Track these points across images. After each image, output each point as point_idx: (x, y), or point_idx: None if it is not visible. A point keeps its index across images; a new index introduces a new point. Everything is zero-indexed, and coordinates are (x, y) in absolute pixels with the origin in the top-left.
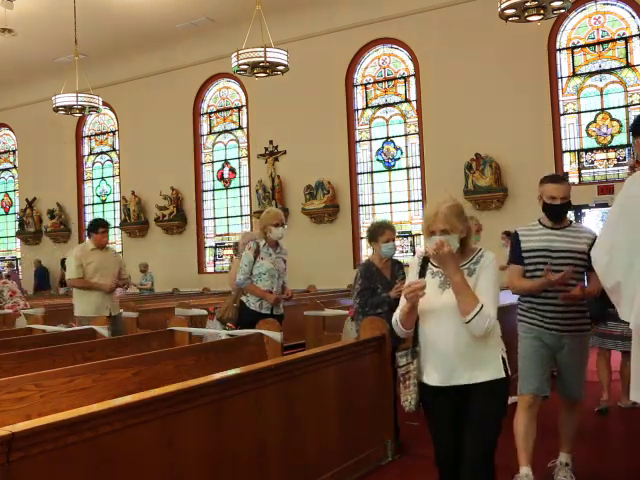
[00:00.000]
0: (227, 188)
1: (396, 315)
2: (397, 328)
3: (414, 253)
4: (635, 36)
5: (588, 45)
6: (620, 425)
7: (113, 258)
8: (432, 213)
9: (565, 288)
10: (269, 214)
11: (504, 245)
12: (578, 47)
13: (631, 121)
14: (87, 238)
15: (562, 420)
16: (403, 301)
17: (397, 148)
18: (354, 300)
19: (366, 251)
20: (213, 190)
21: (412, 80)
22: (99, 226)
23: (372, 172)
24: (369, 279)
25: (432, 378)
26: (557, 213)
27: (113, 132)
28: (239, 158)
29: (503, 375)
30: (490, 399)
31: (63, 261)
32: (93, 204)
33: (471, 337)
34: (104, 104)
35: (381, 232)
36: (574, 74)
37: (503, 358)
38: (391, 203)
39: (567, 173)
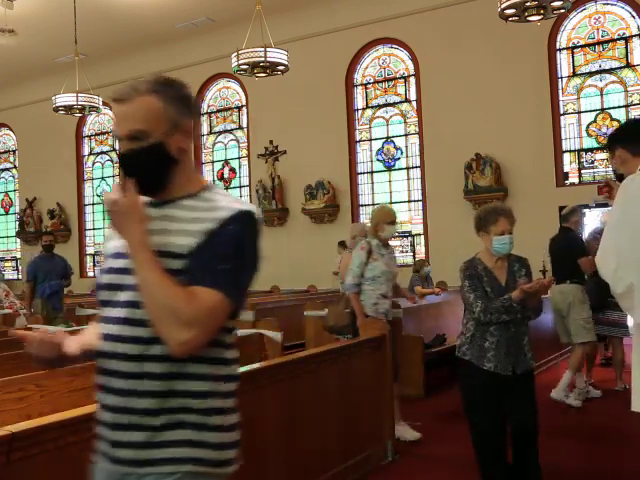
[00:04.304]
0: (227, 188)
1: None
2: None
3: (414, 254)
4: (635, 36)
5: (588, 45)
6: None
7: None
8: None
9: None
10: (383, 210)
11: (339, 253)
12: (578, 47)
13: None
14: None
15: None
16: None
17: (397, 148)
18: (469, 306)
19: None
20: None
21: (412, 80)
22: None
23: (372, 172)
24: (474, 277)
25: None
26: (123, 164)
27: None
28: (239, 158)
29: None
30: None
31: None
32: (93, 204)
33: None
34: (104, 104)
35: (493, 220)
36: (574, 74)
37: None
38: (391, 203)
39: (567, 173)
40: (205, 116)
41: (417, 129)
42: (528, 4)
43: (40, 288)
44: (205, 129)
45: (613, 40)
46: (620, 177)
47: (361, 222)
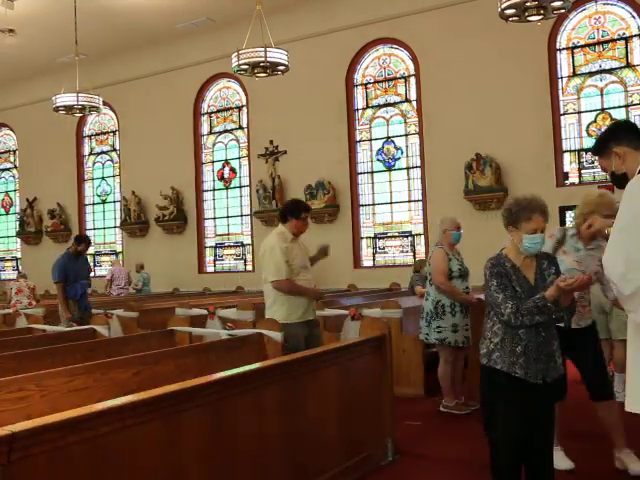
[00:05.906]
0: (227, 188)
1: None
2: None
3: (414, 254)
4: (635, 36)
5: (588, 45)
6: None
7: (305, 248)
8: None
9: None
10: (604, 198)
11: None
12: (578, 47)
13: (632, 121)
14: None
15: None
16: None
17: (397, 148)
18: (497, 307)
19: (366, 251)
20: (213, 190)
21: (412, 80)
22: (302, 209)
23: (372, 172)
24: (502, 276)
25: None
26: None
27: (113, 132)
28: (239, 158)
29: None
30: None
31: None
32: (93, 204)
33: None
34: (104, 104)
35: (527, 216)
36: (574, 74)
37: None
38: (391, 203)
39: (567, 173)
40: (205, 116)
41: (417, 129)
42: (528, 4)
43: (72, 289)
44: (205, 129)
45: (613, 40)
46: (617, 178)
47: (450, 217)
